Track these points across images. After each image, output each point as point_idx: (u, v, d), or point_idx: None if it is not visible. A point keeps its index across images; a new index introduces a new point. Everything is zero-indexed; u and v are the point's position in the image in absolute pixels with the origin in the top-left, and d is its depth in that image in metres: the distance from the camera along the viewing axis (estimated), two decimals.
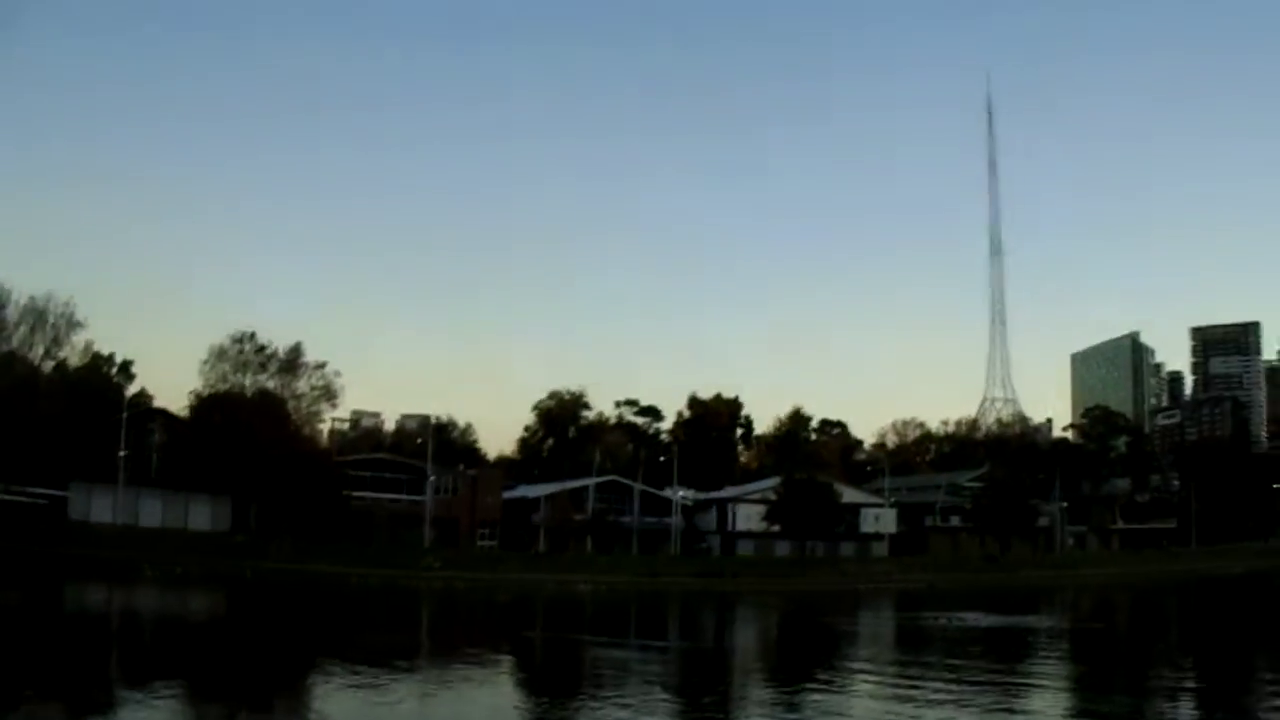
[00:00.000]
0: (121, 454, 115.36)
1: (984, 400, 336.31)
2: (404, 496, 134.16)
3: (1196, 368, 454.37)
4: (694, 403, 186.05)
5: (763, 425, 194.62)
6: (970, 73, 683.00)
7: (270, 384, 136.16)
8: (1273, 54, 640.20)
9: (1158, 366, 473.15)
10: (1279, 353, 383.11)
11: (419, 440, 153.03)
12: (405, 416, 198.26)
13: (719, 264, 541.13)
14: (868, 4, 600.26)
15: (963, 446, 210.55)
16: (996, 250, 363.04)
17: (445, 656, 46.35)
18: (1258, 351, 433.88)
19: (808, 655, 49.98)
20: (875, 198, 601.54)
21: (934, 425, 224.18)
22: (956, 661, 44.18)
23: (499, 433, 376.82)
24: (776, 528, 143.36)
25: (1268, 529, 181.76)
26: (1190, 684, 37.68)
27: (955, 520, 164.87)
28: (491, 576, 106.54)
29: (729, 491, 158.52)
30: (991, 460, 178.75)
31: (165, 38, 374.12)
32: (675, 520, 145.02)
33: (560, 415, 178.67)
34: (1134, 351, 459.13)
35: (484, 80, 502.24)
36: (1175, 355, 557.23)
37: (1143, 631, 66.69)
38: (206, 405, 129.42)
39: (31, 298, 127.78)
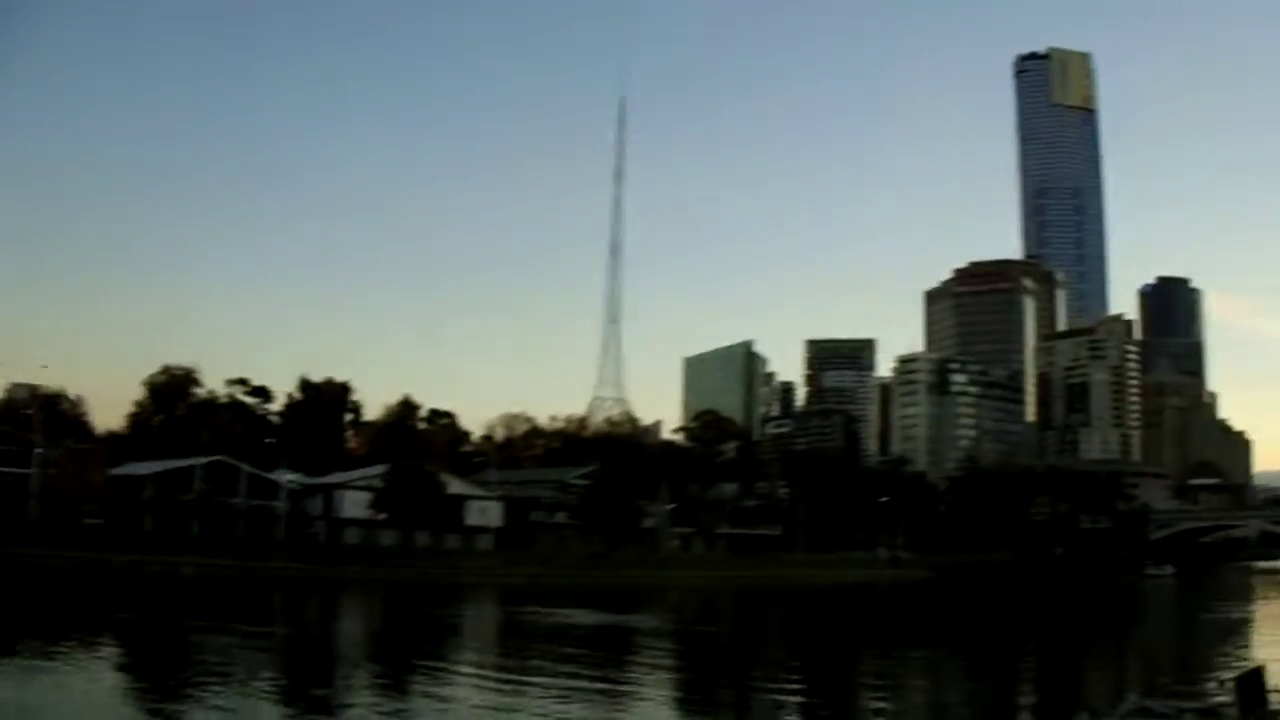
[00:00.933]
0: None
1: (594, 399, 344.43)
2: (12, 470, 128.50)
3: (809, 380, 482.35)
4: (305, 385, 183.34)
5: (374, 411, 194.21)
6: (605, 75, 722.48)
7: None
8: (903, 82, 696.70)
9: (770, 376, 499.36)
10: (893, 370, 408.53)
11: (27, 411, 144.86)
12: (14, 385, 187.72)
13: (340, 251, 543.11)
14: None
15: (572, 444, 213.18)
16: (615, 251, 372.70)
17: (34, 640, 45.17)
18: (871, 368, 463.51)
19: (409, 650, 51.18)
20: (498, 191, 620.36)
21: (543, 421, 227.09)
22: (560, 665, 46.14)
23: (113, 407, 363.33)
24: (383, 516, 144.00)
25: (873, 540, 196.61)
26: (794, 696, 40.21)
27: (562, 517, 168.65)
28: (95, 556, 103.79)
29: (336, 477, 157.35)
30: (600, 459, 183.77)
31: None
32: (282, 504, 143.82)
33: (171, 391, 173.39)
34: (747, 359, 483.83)
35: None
36: (789, 366, 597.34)
37: (748, 637, 70.90)
38: None
39: None
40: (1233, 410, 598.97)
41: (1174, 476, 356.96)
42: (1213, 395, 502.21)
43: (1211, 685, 29.67)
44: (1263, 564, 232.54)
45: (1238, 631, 76.78)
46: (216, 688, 33.37)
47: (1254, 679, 24.02)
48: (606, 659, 50.82)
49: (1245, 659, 49.23)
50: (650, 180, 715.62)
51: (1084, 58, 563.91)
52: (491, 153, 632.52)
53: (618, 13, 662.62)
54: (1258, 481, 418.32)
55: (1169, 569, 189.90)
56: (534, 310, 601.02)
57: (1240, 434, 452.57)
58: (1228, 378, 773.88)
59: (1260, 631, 77.62)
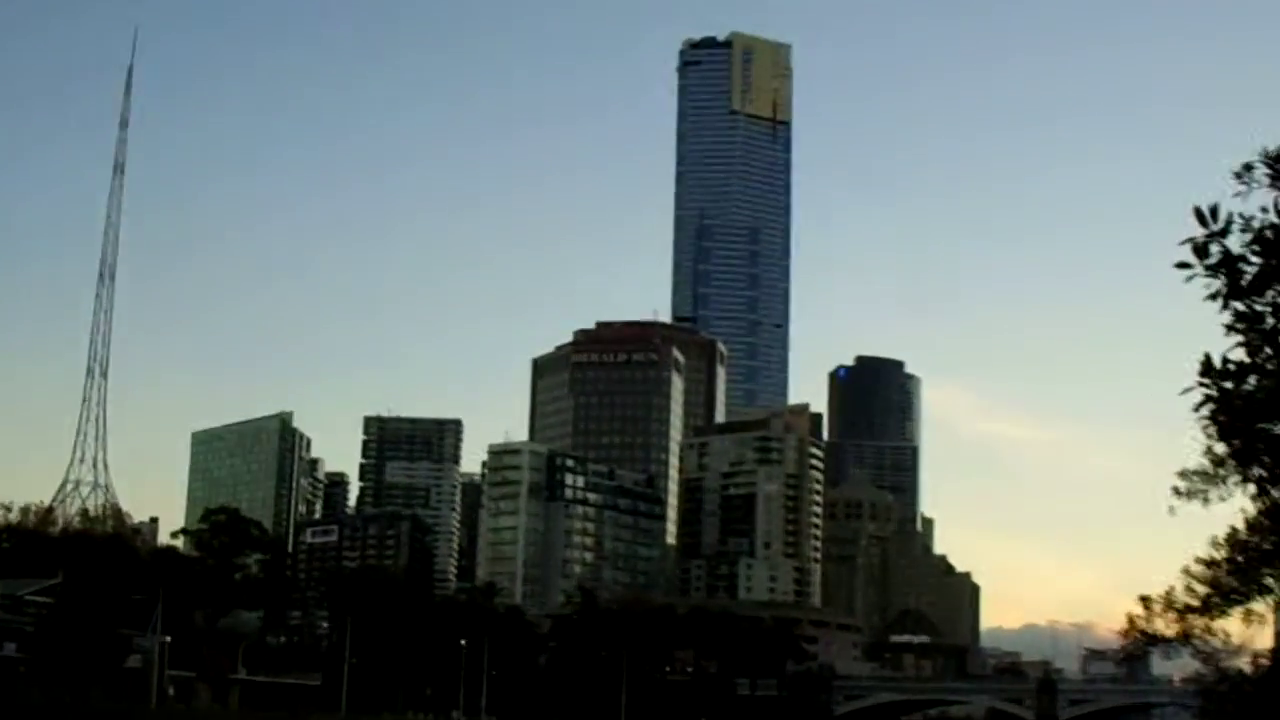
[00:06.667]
0: None
1: (67, 482, 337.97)
2: None
3: (368, 471, 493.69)
4: None
5: None
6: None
7: None
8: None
9: (314, 463, 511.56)
10: (483, 465, 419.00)
11: None
12: None
13: None
14: None
15: (32, 544, 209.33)
16: (108, 274, 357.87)
17: None
18: (454, 459, 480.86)
19: None
20: None
21: None
22: None
23: None
24: None
25: (448, 697, 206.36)
26: None
27: (12, 648, 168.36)
28: None
29: None
30: (69, 568, 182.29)
31: None
32: None
33: None
34: (282, 439, 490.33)
35: None
36: (341, 452, 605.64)
37: None
38: None
39: None
40: (954, 543, 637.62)
41: (869, 630, 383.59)
42: (927, 522, 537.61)
43: None
44: None
45: None
46: None
47: None
48: None
49: None
50: (159, 183, 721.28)
51: (778, 50, 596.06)
52: None
53: None
54: (986, 642, 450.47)
55: None
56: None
57: (964, 576, 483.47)
58: (950, 499, 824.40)
59: None
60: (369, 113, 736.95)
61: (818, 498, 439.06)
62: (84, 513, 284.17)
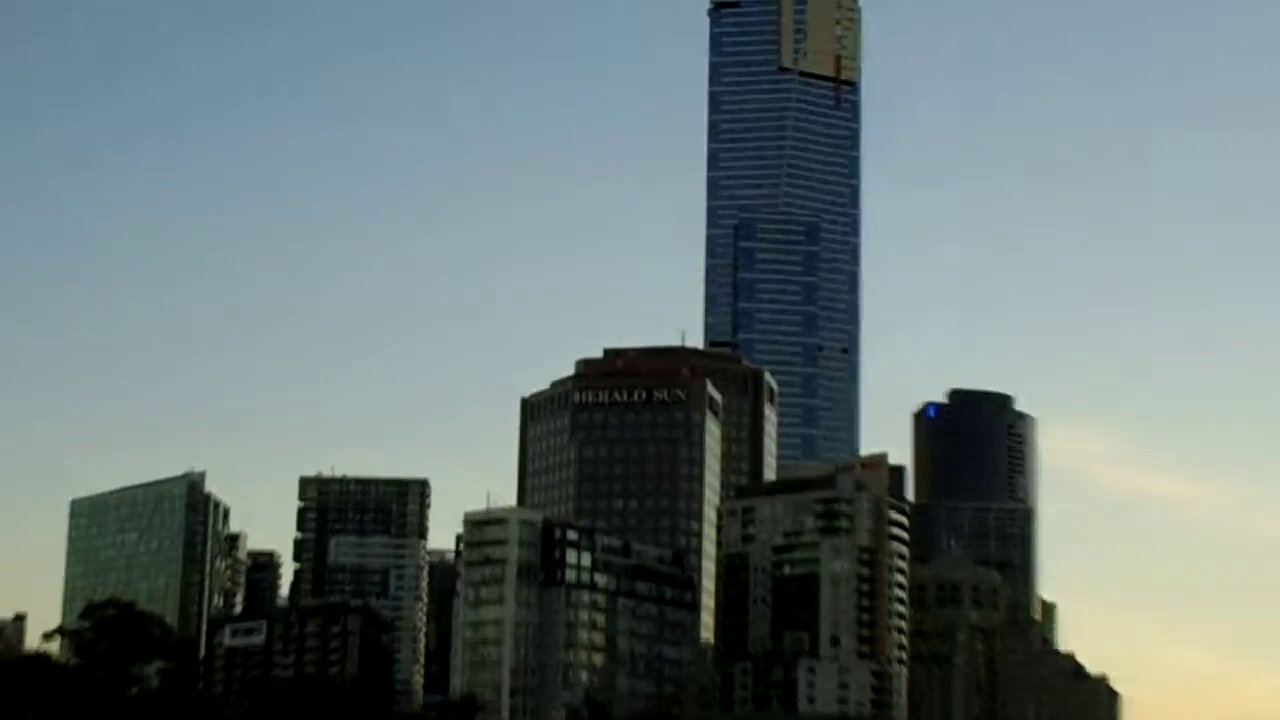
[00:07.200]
0: None
1: None
2: None
3: (304, 550, 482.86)
4: None
5: None
6: None
7: None
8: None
9: (234, 540, 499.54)
10: (458, 538, 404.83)
11: None
12: None
13: None
14: None
15: None
16: None
17: None
18: (421, 533, 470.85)
19: None
20: None
21: None
22: None
23: None
24: None
25: None
26: None
27: None
28: None
29: None
30: None
31: None
32: None
33: None
34: (191, 508, 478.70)
35: None
36: (270, 525, 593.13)
37: None
38: None
39: None
40: (1085, 636, 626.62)
41: None
42: (1048, 608, 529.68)
43: None
44: None
45: None
46: None
47: None
48: None
49: None
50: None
51: None
52: None
53: None
54: None
55: None
56: None
57: (1099, 681, 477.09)
58: (1078, 578, 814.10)
59: None
60: (307, 75, 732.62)
61: (902, 578, 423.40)
62: None
